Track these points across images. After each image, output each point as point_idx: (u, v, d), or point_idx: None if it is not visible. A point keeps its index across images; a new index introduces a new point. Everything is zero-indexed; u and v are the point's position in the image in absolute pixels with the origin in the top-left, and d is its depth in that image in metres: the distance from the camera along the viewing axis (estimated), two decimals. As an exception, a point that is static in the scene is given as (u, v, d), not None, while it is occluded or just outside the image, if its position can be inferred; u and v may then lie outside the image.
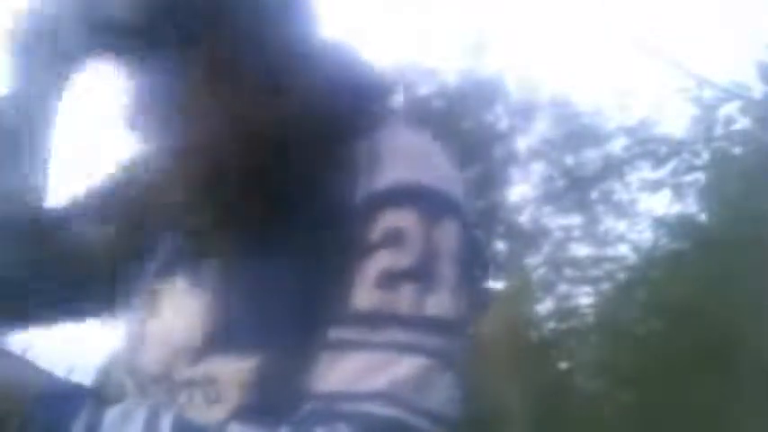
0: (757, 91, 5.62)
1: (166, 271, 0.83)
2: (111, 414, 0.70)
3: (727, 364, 4.66)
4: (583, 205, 6.59)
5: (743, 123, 5.78)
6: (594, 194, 6.61)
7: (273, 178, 0.76)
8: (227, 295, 0.77)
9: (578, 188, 6.57)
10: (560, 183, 6.65)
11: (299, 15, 0.83)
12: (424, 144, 0.80)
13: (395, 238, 0.73)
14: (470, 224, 0.77)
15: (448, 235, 0.74)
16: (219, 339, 0.76)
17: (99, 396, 0.72)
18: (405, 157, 0.76)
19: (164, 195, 0.80)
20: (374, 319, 0.72)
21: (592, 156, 6.66)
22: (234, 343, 0.75)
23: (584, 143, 6.64)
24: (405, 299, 0.72)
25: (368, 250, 0.73)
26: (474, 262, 0.77)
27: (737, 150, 5.79)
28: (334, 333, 0.72)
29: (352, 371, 0.71)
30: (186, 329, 0.78)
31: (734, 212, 5.25)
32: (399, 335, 0.71)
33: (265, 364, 0.74)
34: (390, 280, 0.72)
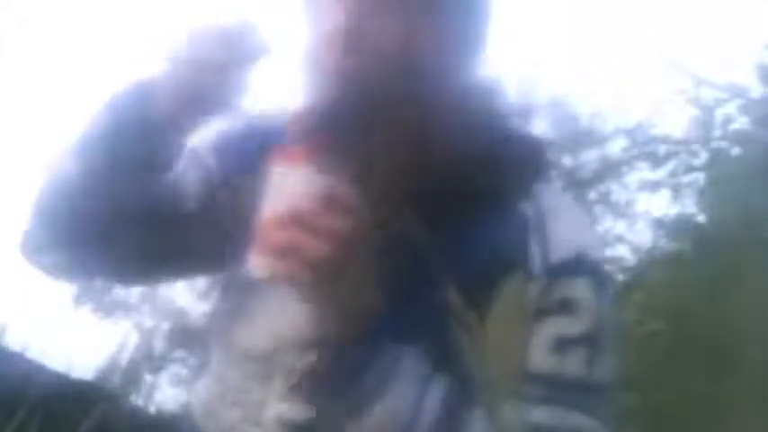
0: (756, 91, 5.63)
1: None
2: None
3: (726, 365, 4.66)
4: (581, 206, 6.58)
5: (741, 123, 5.78)
6: (593, 195, 6.61)
7: (449, 206, 0.82)
8: None
9: (577, 189, 6.56)
10: (559, 183, 6.65)
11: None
12: (578, 208, 0.89)
13: (569, 307, 0.79)
14: (610, 292, 0.83)
15: (608, 302, 0.82)
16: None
17: None
18: (571, 225, 0.83)
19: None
20: (550, 381, 0.78)
21: (590, 156, 6.66)
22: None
23: (582, 144, 6.64)
24: (575, 364, 0.79)
25: (543, 316, 0.79)
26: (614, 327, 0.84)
27: (736, 151, 5.78)
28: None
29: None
30: (300, 319, 0.80)
31: (733, 213, 5.24)
32: (573, 396, 0.78)
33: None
34: (563, 345, 0.78)
